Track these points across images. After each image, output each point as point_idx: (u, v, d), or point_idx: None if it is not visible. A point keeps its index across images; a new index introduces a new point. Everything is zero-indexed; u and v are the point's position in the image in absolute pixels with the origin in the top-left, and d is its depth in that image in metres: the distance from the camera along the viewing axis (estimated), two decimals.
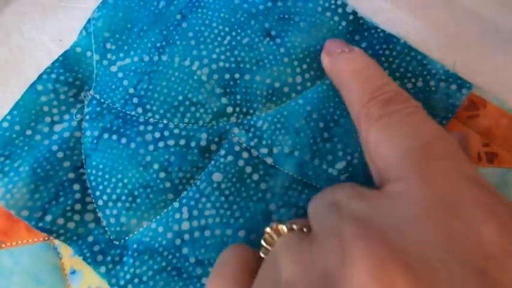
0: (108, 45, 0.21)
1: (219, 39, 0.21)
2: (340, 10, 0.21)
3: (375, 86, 0.17)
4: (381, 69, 0.18)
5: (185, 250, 0.19)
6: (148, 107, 0.21)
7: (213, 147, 0.20)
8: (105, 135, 0.20)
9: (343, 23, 0.21)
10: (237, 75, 0.21)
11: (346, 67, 0.18)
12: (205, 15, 0.21)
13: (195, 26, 0.21)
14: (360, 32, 0.21)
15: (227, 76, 0.21)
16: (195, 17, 0.21)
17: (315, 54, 0.21)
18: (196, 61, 0.21)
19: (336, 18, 0.21)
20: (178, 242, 0.19)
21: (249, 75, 0.21)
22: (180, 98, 0.20)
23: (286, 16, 0.21)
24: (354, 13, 0.22)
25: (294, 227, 0.15)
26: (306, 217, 0.16)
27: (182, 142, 0.20)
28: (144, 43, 0.21)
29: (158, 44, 0.21)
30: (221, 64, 0.21)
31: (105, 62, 0.21)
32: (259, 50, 0.21)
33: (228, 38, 0.21)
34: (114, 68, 0.21)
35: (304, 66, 0.21)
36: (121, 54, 0.21)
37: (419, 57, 0.21)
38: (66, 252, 0.19)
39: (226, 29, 0.21)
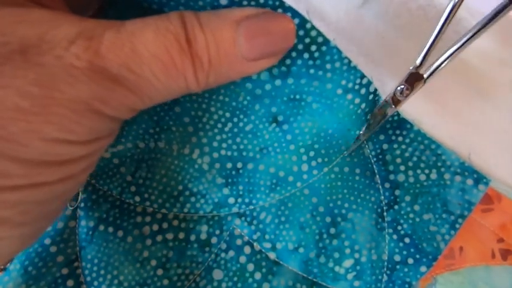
0: None
1: (220, 125, 0.19)
2: (363, 91, 0.18)
3: None
4: None
5: None
6: (146, 195, 0.19)
7: (214, 240, 0.19)
8: (101, 227, 0.19)
9: (363, 105, 0.18)
10: (239, 164, 0.20)
11: None
12: (200, 97, 0.19)
13: (190, 110, 0.19)
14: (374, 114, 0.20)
15: (229, 165, 0.19)
16: (189, 100, 0.19)
17: (324, 139, 0.20)
18: (196, 149, 0.19)
19: (357, 100, 0.18)
20: None
21: (252, 163, 0.20)
22: (180, 187, 0.19)
23: (298, 96, 0.18)
24: (375, 91, 0.18)
25: None
26: None
27: (181, 236, 0.19)
28: (134, 130, 0.19)
29: (151, 130, 0.19)
30: (223, 152, 0.19)
31: None
32: (263, 137, 0.19)
33: (230, 124, 0.19)
34: (106, 155, 0.19)
35: (312, 153, 0.20)
36: None
37: (433, 146, 0.20)
38: None
39: (227, 114, 0.19)
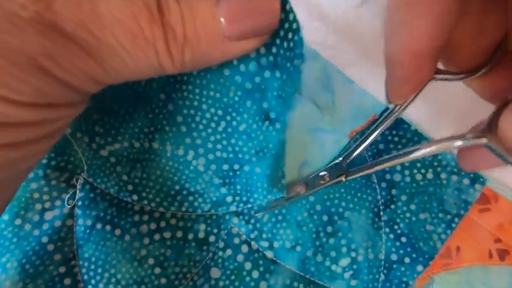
0: (96, 128, 0.19)
1: (213, 125, 0.18)
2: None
3: None
4: None
5: None
6: (144, 194, 0.19)
7: (211, 238, 0.19)
8: (99, 226, 0.19)
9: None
10: (236, 166, 0.19)
11: None
12: (191, 94, 0.18)
13: (182, 108, 0.18)
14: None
15: (225, 167, 0.19)
16: (181, 97, 0.18)
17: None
18: (190, 150, 0.19)
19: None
20: None
21: (248, 166, 0.19)
22: (177, 187, 0.19)
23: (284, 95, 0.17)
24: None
25: None
26: None
27: (179, 234, 0.19)
28: (131, 127, 0.18)
29: (146, 130, 0.19)
30: (218, 154, 0.19)
31: (93, 146, 0.19)
32: (258, 138, 0.19)
33: (223, 123, 0.18)
34: (104, 153, 0.19)
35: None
36: (109, 139, 0.19)
37: None
38: None
39: (220, 112, 0.18)
